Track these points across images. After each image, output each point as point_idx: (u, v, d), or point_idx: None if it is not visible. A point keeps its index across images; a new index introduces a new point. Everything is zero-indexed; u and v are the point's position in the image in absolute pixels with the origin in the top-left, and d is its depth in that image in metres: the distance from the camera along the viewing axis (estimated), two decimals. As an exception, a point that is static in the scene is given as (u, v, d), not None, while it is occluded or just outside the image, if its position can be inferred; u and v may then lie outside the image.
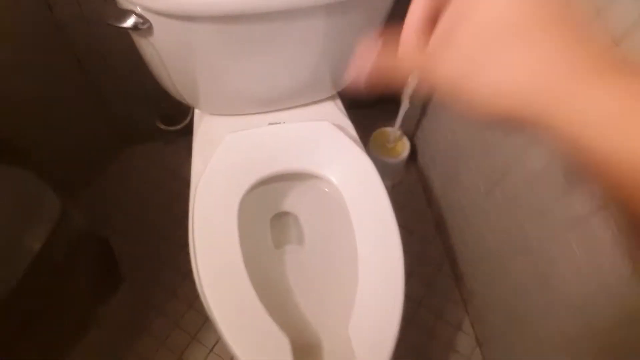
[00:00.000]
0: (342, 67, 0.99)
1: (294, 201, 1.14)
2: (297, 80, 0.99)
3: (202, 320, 1.26)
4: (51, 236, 0.69)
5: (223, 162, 0.98)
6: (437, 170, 1.33)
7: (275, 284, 1.07)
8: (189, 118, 1.17)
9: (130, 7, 0.75)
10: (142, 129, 1.36)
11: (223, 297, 0.85)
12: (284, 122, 1.07)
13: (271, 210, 1.15)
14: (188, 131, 1.08)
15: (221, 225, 0.92)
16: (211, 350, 1.24)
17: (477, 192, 1.10)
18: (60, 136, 1.22)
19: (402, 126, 1.34)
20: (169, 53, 0.85)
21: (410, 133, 1.41)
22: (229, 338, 0.81)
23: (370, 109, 1.42)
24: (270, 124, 1.07)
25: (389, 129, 1.36)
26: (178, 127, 1.21)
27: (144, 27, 0.73)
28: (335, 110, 1.11)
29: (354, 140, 1.05)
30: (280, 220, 1.17)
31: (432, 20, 0.30)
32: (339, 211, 1.07)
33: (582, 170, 0.24)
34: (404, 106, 1.19)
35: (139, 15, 0.75)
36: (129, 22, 0.73)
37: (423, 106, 1.34)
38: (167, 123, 1.23)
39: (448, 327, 1.27)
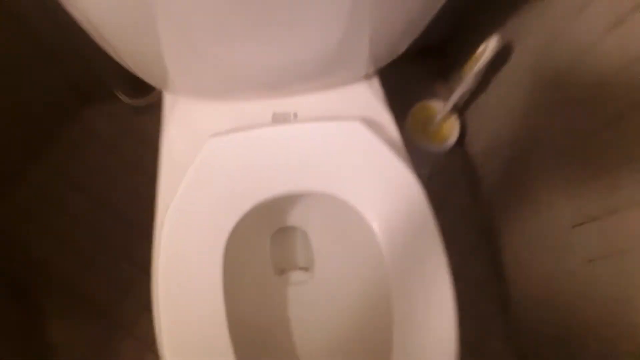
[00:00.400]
0: (393, 28, 0.63)
1: (303, 212, 0.84)
2: (322, 49, 0.62)
3: None
4: None
5: (203, 182, 0.66)
6: (494, 160, 1.00)
7: (273, 330, 0.79)
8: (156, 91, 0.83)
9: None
10: (103, 85, 1.01)
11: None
12: (294, 114, 0.73)
13: (272, 225, 0.85)
14: (157, 106, 0.75)
15: (198, 276, 0.63)
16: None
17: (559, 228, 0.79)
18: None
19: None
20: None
21: (459, 108, 1.06)
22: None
23: (411, 64, 1.06)
24: (275, 115, 0.73)
25: (434, 104, 1.01)
26: (142, 100, 0.87)
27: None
28: (369, 97, 0.76)
29: (395, 146, 0.72)
30: (284, 238, 0.87)
31: None
32: (364, 229, 0.77)
33: None
34: (466, 84, 0.84)
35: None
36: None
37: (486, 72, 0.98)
38: (130, 92, 0.88)
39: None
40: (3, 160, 1.03)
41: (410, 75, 1.14)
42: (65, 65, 0.96)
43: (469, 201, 1.13)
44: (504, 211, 0.98)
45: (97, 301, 1.01)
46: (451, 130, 1.02)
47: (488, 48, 0.76)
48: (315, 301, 0.83)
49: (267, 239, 0.85)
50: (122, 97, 0.88)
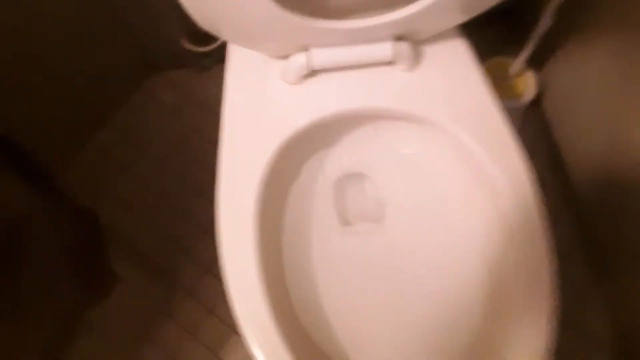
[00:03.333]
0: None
1: (372, 158, 0.78)
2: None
3: (224, 331, 0.96)
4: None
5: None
6: (575, 122, 0.91)
7: (334, 280, 0.74)
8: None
9: None
10: (169, 51, 1.03)
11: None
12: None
13: (336, 170, 0.81)
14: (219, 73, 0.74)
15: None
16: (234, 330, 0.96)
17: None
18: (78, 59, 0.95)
19: (529, 57, 0.92)
20: None
21: (537, 66, 0.99)
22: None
23: (483, 28, 1.01)
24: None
25: (508, 59, 0.95)
26: (208, 47, 0.87)
27: None
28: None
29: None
30: (349, 186, 0.82)
31: None
32: (446, 178, 0.72)
33: None
34: (544, 23, 0.78)
35: None
36: None
37: (564, 26, 0.91)
38: (196, 43, 0.89)
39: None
40: (71, 124, 1.06)
41: (480, 39, 1.07)
42: (135, 32, 0.99)
43: (549, 164, 1.04)
44: (590, 164, 0.89)
45: (157, 261, 1.01)
46: (527, 85, 0.95)
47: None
48: (386, 255, 0.77)
49: (330, 187, 0.81)
50: (188, 46, 0.89)
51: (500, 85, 0.95)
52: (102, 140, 1.13)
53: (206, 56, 0.96)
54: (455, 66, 0.66)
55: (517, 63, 0.90)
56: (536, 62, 1.00)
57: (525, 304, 0.54)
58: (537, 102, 1.05)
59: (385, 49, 0.62)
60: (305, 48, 0.62)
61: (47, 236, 0.52)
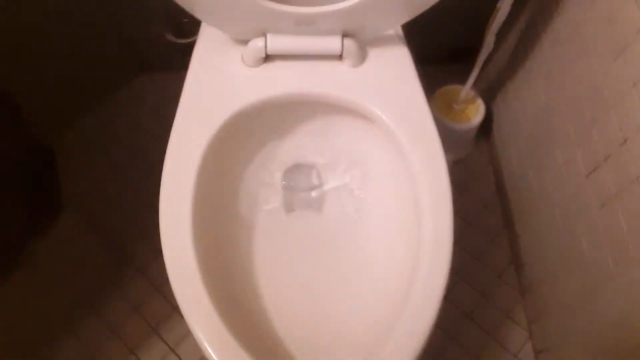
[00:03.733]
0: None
1: (316, 148, 0.85)
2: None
3: (168, 309, 1.01)
4: None
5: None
6: (518, 147, 1.00)
7: (274, 262, 0.79)
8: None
9: None
10: (156, 49, 1.12)
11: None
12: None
13: (285, 160, 0.87)
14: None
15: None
16: (175, 308, 0.99)
17: (575, 175, 0.77)
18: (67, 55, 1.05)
19: (477, 84, 1.02)
20: None
21: (486, 97, 1.08)
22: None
23: (442, 66, 1.10)
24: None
25: (458, 87, 1.04)
26: (190, 39, 0.96)
27: None
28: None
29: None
30: (296, 175, 0.88)
31: None
32: (380, 168, 0.79)
33: None
34: (487, 47, 0.87)
35: None
36: None
37: (509, 59, 1.01)
38: (179, 37, 0.98)
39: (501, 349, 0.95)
40: (57, 107, 1.13)
41: (437, 72, 1.17)
42: (125, 27, 1.09)
43: (493, 190, 1.11)
44: (529, 186, 0.96)
45: (115, 238, 1.05)
46: (476, 111, 1.04)
47: (504, 2, 0.80)
48: (319, 243, 0.83)
49: (280, 175, 0.87)
50: (171, 38, 0.98)
51: (452, 110, 1.04)
52: (84, 125, 1.20)
53: (189, 53, 1.05)
54: (395, 68, 0.74)
55: (466, 88, 0.99)
56: (487, 92, 1.09)
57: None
58: (488, 131, 1.14)
59: (334, 43, 0.70)
60: (264, 33, 0.70)
61: (19, 162, 0.58)
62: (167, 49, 1.09)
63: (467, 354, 0.95)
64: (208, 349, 0.56)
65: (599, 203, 0.70)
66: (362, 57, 0.73)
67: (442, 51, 1.15)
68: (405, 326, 0.57)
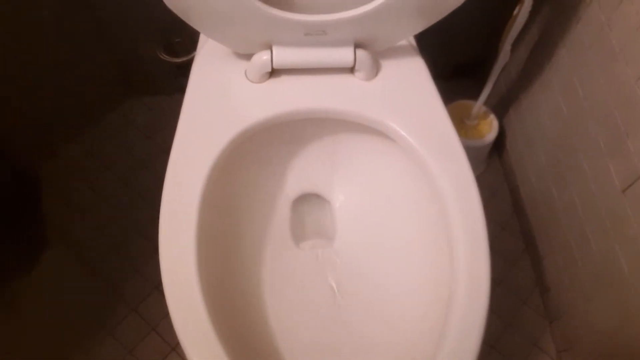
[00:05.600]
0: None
1: (330, 176, 0.79)
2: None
3: (164, 349, 0.92)
4: None
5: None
6: (536, 163, 0.94)
7: (283, 295, 0.71)
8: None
9: None
10: (147, 70, 1.07)
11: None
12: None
13: (294, 189, 0.81)
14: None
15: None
16: (173, 349, 0.90)
17: (609, 190, 0.71)
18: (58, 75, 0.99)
19: (490, 100, 0.97)
20: None
21: (499, 113, 1.03)
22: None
23: (448, 81, 1.05)
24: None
25: (470, 102, 0.99)
26: (183, 58, 0.90)
27: None
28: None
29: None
30: (306, 206, 0.82)
31: None
32: (399, 191, 0.72)
33: None
34: (503, 58, 0.82)
35: None
36: None
37: (522, 71, 0.96)
38: (170, 53, 0.92)
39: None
40: (41, 132, 1.06)
41: (449, 86, 1.13)
42: (115, 47, 1.03)
43: (510, 210, 1.05)
44: (549, 204, 0.90)
45: (105, 273, 0.97)
46: (490, 127, 0.99)
47: (522, 9, 0.75)
48: (331, 276, 0.76)
49: (289, 206, 0.80)
50: (164, 57, 0.92)
51: (464, 126, 0.99)
52: (71, 152, 1.13)
53: (182, 74, 0.99)
54: (412, 80, 0.68)
55: (479, 103, 0.93)
56: (499, 107, 1.04)
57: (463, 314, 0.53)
58: (501, 147, 1.08)
59: (346, 54, 0.64)
60: (269, 46, 0.65)
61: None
62: (159, 69, 1.03)
63: (494, 390, 0.88)
64: None
65: (641, 219, 0.64)
66: (375, 69, 0.68)
67: (448, 66, 1.11)
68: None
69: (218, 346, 0.50)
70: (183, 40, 0.90)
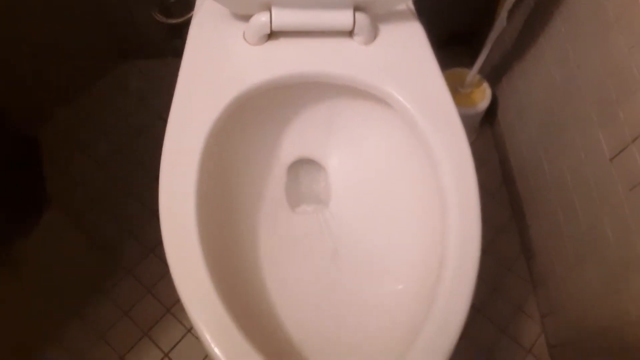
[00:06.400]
0: None
1: (326, 141, 0.80)
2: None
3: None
4: None
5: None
6: (527, 132, 0.95)
7: (278, 258, 0.73)
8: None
9: None
10: (141, 32, 1.05)
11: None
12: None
13: (290, 155, 0.81)
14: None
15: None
16: (168, 310, 0.92)
17: (597, 158, 0.73)
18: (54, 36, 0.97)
19: (483, 69, 0.97)
20: None
21: (492, 82, 1.04)
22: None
23: (443, 49, 1.05)
24: None
25: (465, 70, 1.00)
26: (179, 19, 0.89)
27: None
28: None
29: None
30: (301, 171, 0.82)
31: None
32: (393, 156, 0.73)
33: None
34: (499, 25, 0.82)
35: None
36: None
37: (516, 40, 0.97)
38: (167, 16, 0.91)
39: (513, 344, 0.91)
40: (34, 98, 1.04)
41: (443, 54, 1.13)
42: (108, 10, 1.01)
43: (499, 179, 1.07)
44: (538, 174, 0.92)
45: (101, 237, 0.97)
46: (483, 96, 0.99)
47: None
48: (326, 239, 0.77)
49: (284, 170, 0.81)
50: (159, 18, 0.91)
51: (457, 94, 0.99)
52: (65, 118, 1.11)
53: (177, 36, 0.98)
54: (410, 45, 0.68)
55: (473, 71, 0.94)
56: (493, 76, 1.05)
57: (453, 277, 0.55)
58: (492, 116, 1.09)
59: (345, 17, 0.64)
60: (268, 7, 0.64)
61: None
62: (154, 32, 1.02)
63: (479, 348, 0.91)
64: (216, 349, 0.49)
65: (627, 187, 0.66)
66: (373, 33, 0.68)
67: (444, 34, 1.10)
68: (435, 326, 0.52)
69: (218, 304, 0.51)
70: (179, 0, 0.88)
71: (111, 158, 1.07)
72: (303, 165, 0.80)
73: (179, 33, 0.91)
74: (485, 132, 1.12)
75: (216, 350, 0.49)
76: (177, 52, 0.95)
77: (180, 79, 0.65)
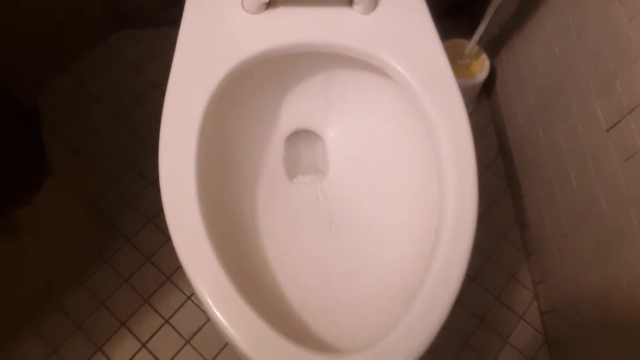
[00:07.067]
0: None
1: (324, 111, 0.80)
2: None
3: (159, 278, 0.95)
4: None
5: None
6: (525, 103, 0.96)
7: (276, 226, 0.74)
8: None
9: None
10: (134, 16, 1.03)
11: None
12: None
13: (288, 125, 0.81)
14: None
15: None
16: (168, 278, 0.94)
17: (593, 129, 0.74)
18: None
19: (482, 40, 0.97)
20: None
21: (490, 53, 1.04)
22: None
23: (441, 19, 1.04)
24: None
25: (464, 41, 0.99)
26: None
27: None
28: None
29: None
30: (299, 141, 0.83)
31: None
32: (391, 126, 0.74)
33: None
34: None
35: None
36: None
37: (516, 11, 0.96)
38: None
39: (506, 310, 0.94)
40: (30, 67, 1.03)
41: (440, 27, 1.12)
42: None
43: (495, 151, 1.08)
44: (534, 147, 0.93)
45: (99, 206, 0.98)
46: (481, 67, 0.99)
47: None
48: (324, 207, 0.78)
49: (282, 142, 0.81)
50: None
51: (456, 65, 0.99)
52: (61, 87, 1.10)
53: (172, 4, 0.97)
54: (410, 15, 0.68)
55: (473, 42, 0.94)
56: (491, 47, 1.04)
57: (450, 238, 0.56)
58: (490, 88, 1.09)
59: (344, -15, 0.64)
60: (267, -26, 0.63)
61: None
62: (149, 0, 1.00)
63: (472, 315, 0.93)
64: (217, 313, 0.50)
65: (623, 157, 0.67)
66: (373, 2, 0.67)
67: (443, 3, 1.09)
68: (431, 291, 0.53)
69: (219, 269, 0.52)
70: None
71: (108, 126, 1.07)
72: (301, 136, 0.81)
73: (176, 1, 0.90)
74: (482, 104, 1.12)
75: (217, 314, 0.50)
76: (173, 21, 0.94)
77: (178, 48, 0.65)
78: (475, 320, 0.93)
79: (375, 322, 0.59)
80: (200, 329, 0.90)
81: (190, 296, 0.92)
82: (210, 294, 0.51)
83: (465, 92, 1.01)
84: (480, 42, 0.98)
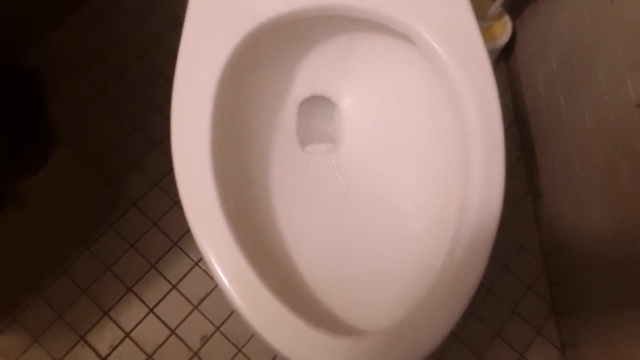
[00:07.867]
0: None
1: (342, 78, 0.76)
2: None
3: (166, 243, 0.93)
4: None
5: None
6: (547, 70, 0.91)
7: (288, 195, 0.71)
8: None
9: None
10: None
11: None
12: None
13: (303, 91, 0.77)
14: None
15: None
16: (175, 244, 0.92)
17: (623, 104, 0.70)
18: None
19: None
20: None
21: (512, 15, 0.98)
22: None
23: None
24: None
25: (486, 0, 0.94)
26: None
27: None
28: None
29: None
30: (314, 108, 0.79)
31: None
32: (414, 96, 0.70)
33: None
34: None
35: None
36: None
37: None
38: None
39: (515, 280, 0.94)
40: (25, 21, 0.97)
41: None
42: None
43: (511, 118, 1.05)
44: (546, 126, 0.89)
45: (103, 169, 0.95)
46: (503, 30, 0.94)
47: None
48: (337, 178, 0.76)
49: (295, 108, 0.77)
50: None
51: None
52: (57, 41, 1.05)
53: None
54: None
55: (497, 2, 0.88)
56: (513, 9, 0.99)
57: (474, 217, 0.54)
58: (509, 51, 1.05)
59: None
60: None
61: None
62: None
63: (481, 284, 0.93)
64: (224, 280, 0.49)
65: (654, 135, 0.64)
66: (399, -38, 0.62)
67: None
68: (456, 276, 0.52)
69: (229, 237, 0.51)
70: None
71: (111, 83, 1.02)
72: (316, 103, 0.77)
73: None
74: (500, 68, 1.08)
75: (225, 281, 0.49)
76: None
77: (190, 11, 0.60)
78: (483, 290, 0.93)
79: (394, 301, 0.58)
80: (208, 294, 0.89)
81: (198, 262, 0.91)
82: (219, 262, 0.50)
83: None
84: (503, 3, 0.92)
